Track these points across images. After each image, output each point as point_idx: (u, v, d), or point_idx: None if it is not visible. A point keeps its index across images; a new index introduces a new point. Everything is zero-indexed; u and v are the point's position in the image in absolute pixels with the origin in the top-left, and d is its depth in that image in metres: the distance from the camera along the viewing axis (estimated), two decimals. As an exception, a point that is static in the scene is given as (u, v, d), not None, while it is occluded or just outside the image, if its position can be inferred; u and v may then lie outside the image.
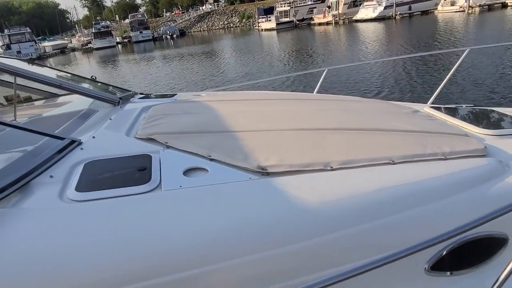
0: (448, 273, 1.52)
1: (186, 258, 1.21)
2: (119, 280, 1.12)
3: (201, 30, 68.68)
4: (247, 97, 2.86)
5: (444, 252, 1.49)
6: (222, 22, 68.02)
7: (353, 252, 1.37)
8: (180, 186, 1.44)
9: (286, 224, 1.35)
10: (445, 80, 3.35)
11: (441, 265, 1.50)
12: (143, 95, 2.85)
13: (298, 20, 44.28)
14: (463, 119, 2.41)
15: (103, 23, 61.94)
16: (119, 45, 56.59)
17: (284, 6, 45.73)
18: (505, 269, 1.33)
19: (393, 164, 1.65)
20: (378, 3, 36.73)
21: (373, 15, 36.18)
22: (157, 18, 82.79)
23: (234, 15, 67.96)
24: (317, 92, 3.48)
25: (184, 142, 1.77)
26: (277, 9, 46.22)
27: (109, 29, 59.22)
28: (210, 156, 1.64)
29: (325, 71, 3.59)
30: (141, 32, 58.25)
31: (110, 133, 1.93)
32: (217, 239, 1.26)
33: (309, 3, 45.94)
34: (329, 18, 40.70)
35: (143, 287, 1.13)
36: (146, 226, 1.24)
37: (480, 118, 2.53)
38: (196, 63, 22.68)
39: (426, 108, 2.74)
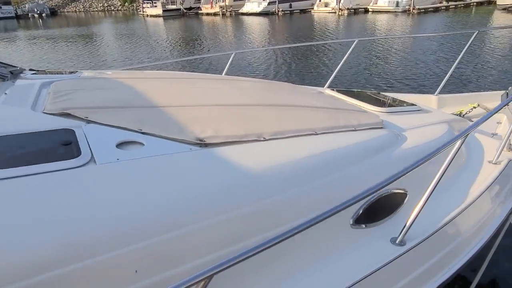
0: (366, 225, 1.74)
1: (134, 228, 1.18)
2: (56, 259, 1.05)
3: (77, 10, 62.02)
4: (161, 76, 2.84)
5: (364, 208, 1.71)
6: (101, 4, 62.52)
7: (289, 213, 1.46)
8: (118, 159, 1.40)
9: (229, 190, 1.39)
10: (339, 66, 3.87)
11: (361, 220, 1.71)
12: (34, 71, 2.70)
13: (185, 9, 43.55)
14: (359, 99, 2.85)
15: None
16: (-30, 21, 47.49)
17: (172, -8, 44.53)
18: (410, 216, 1.61)
19: (316, 134, 1.88)
20: (262, -1, 38.65)
21: (258, 9, 37.91)
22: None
23: (115, -3, 63.17)
24: (226, 74, 3.64)
25: (107, 116, 1.72)
26: (163, -6, 44.74)
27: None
28: (141, 130, 1.62)
29: (233, 55, 3.77)
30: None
31: (11, 109, 1.81)
32: (164, 209, 1.25)
33: (197, -8, 45.66)
34: (217, 9, 41.11)
35: (84, 265, 1.08)
36: (82, 200, 1.18)
37: (371, 99, 3.02)
38: (73, 48, 20.56)
39: (327, 90, 3.24)
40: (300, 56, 14.64)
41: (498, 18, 26.25)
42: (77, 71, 2.70)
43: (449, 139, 2.48)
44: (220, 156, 1.52)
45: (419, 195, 1.72)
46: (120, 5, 61.09)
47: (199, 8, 43.55)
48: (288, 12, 38.01)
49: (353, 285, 1.45)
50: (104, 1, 62.76)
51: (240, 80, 3.00)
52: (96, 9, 61.84)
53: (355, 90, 3.49)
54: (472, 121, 3.29)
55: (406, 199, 1.90)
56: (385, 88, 9.97)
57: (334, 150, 1.78)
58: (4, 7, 50.33)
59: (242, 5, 39.98)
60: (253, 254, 1.05)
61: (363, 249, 1.65)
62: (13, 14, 50.66)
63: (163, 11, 42.30)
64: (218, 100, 2.18)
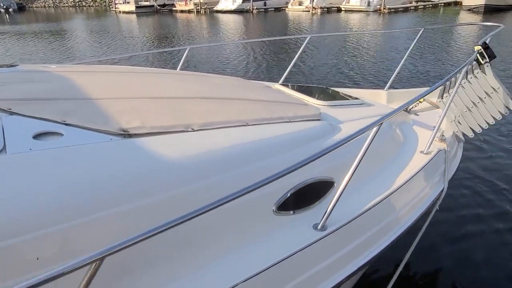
0: (292, 212, 1.83)
1: (45, 215, 1.20)
2: None
3: (46, 6, 59.96)
4: (102, 70, 2.86)
5: (288, 195, 1.78)
6: (72, 0, 60.80)
7: (208, 199, 1.47)
8: (30, 149, 1.40)
9: (144, 178, 1.41)
10: (292, 62, 3.99)
11: (285, 206, 1.78)
12: None
13: (159, 5, 42.90)
14: (305, 93, 2.97)
15: None
16: None
17: (144, -11, 43.75)
18: (329, 203, 1.70)
19: (247, 126, 1.95)
20: (237, -4, 38.56)
21: (232, 7, 37.83)
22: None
23: (86, -8, 61.42)
24: (180, 69, 3.69)
25: (32, 108, 1.72)
26: (136, -9, 43.87)
27: None
28: (65, 121, 1.63)
29: (187, 49, 3.82)
30: (-38, 2, 47.60)
31: None
32: (76, 195, 1.26)
33: (171, -12, 45.04)
34: (191, 6, 40.73)
35: None
36: None
37: (317, 93, 3.14)
38: (41, 44, 20.09)
39: (276, 85, 3.32)
40: (263, 51, 15.04)
41: (464, 18, 27.31)
42: (18, 65, 2.68)
43: (385, 131, 2.65)
44: (142, 146, 1.55)
45: (342, 184, 1.79)
46: (92, 1, 59.53)
47: (173, 5, 43.00)
48: (263, 10, 38.13)
49: (267, 268, 1.51)
50: (75, -3, 60.98)
51: (187, 75, 3.04)
52: (67, 5, 59.99)
53: (305, 85, 3.62)
54: (418, 115, 3.48)
55: (333, 187, 1.99)
56: (345, 83, 10.38)
57: (262, 140, 1.85)
58: (-34, 1, 48.16)
59: (217, 3, 39.77)
60: (151, 236, 1.06)
61: (284, 234, 1.72)
62: (-23, 9, 48.49)
63: (136, 7, 41.54)
64: (152, 93, 2.21)
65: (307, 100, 2.83)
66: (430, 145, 2.54)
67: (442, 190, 2.46)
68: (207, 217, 1.35)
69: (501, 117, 2.80)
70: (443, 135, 2.72)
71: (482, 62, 2.82)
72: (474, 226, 4.08)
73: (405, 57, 4.01)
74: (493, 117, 2.81)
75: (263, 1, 38.71)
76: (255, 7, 37.59)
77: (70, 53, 16.55)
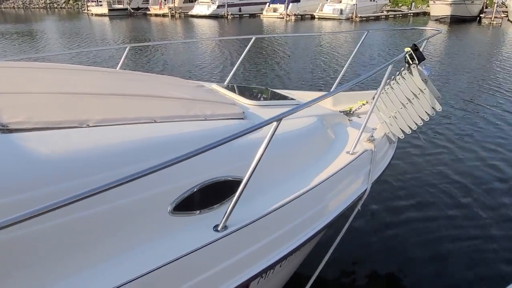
0: (193, 212, 1.74)
1: None
2: None
3: (15, 7, 58.16)
4: (13, 66, 2.70)
5: (187, 195, 1.68)
6: (43, 1, 59.13)
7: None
8: None
9: (21, 173, 1.35)
10: (237, 63, 3.99)
11: (185, 207, 1.71)
12: None
13: (133, 9, 42.38)
14: (239, 93, 2.95)
15: None
16: None
17: (118, -8, 43.10)
18: (230, 204, 1.65)
19: (155, 122, 1.87)
20: (212, 2, 38.55)
21: (207, 12, 37.81)
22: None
23: (58, -6, 59.99)
24: (120, 68, 3.60)
25: None
26: (109, -7, 43.18)
27: None
28: None
29: (127, 49, 3.74)
30: None
31: None
32: None
33: (145, -8, 44.59)
34: (166, 10, 40.41)
35: None
36: None
37: (253, 93, 3.14)
38: (9, 44, 19.56)
39: (214, 85, 3.25)
40: (213, 52, 15.44)
41: (431, 27, 28.30)
42: None
43: (310, 130, 2.65)
44: (21, 141, 1.47)
45: (256, 183, 1.77)
46: (64, 2, 58.16)
47: (147, 8, 42.55)
48: (238, 16, 38.29)
49: (158, 268, 1.47)
50: (46, -2, 59.44)
51: (109, 72, 2.92)
52: (37, 6, 58.35)
53: (244, 85, 3.59)
54: (360, 117, 3.52)
55: (241, 186, 1.90)
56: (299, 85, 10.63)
57: (167, 136, 1.78)
58: None
59: (192, 8, 39.69)
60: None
61: (180, 236, 1.65)
62: None
63: (109, 10, 40.84)
64: (52, 89, 2.11)
65: (239, 99, 2.80)
66: (355, 146, 2.56)
67: (365, 191, 2.47)
68: (92, 217, 1.30)
69: (428, 118, 2.86)
70: (372, 136, 2.76)
71: (411, 63, 2.89)
72: (399, 228, 4.18)
73: (349, 59, 4.06)
74: (421, 118, 2.87)
75: (238, 7, 38.91)
76: (229, 13, 37.72)
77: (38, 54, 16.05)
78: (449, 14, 30.70)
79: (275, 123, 1.72)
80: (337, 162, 2.45)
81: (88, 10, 43.81)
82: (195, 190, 1.73)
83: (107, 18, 38.22)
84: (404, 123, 2.90)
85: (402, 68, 2.97)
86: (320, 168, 2.36)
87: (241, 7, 39.07)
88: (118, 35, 25.88)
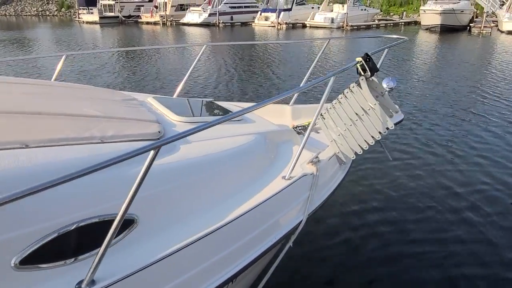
0: (57, 263, 1.39)
1: None
2: None
3: (7, 14, 57.81)
4: None
5: (42, 243, 1.35)
6: (35, 9, 58.81)
7: None
8: None
9: None
10: (187, 74, 3.70)
11: (42, 258, 1.37)
12: None
13: (124, 17, 42.15)
14: (174, 107, 2.59)
15: None
16: None
17: (109, 0, 42.93)
18: (99, 251, 1.32)
19: (25, 148, 1.52)
20: (203, 10, 38.47)
21: (199, 20, 37.68)
22: None
23: (51, 2, 59.71)
24: (56, 79, 3.32)
25: None
26: (100, 1, 42.98)
27: None
28: None
29: (63, 57, 3.45)
30: None
31: None
32: None
33: (137, 0, 44.41)
34: (157, 18, 40.27)
35: None
36: None
37: (191, 108, 2.81)
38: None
39: (150, 98, 2.87)
40: (162, 62, 14.84)
41: (421, 36, 28.32)
42: None
43: (246, 151, 2.29)
44: None
45: (155, 222, 1.45)
46: (56, 10, 57.93)
47: (139, 16, 42.40)
48: (229, 24, 38.21)
49: None
50: (38, 6, 59.15)
51: (16, 83, 2.57)
52: (29, 14, 58.02)
53: (188, 98, 3.24)
54: (318, 133, 3.18)
55: (135, 226, 1.55)
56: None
57: (33, 166, 1.42)
58: None
59: (183, 16, 39.57)
60: None
61: None
62: None
63: (100, 18, 40.59)
64: None
65: (168, 115, 2.47)
66: (292, 169, 2.21)
67: (299, 224, 2.12)
68: None
69: (380, 137, 2.54)
70: (317, 157, 2.43)
71: (363, 74, 2.59)
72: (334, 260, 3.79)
73: (310, 69, 3.74)
74: (372, 136, 2.54)
75: (230, 16, 38.84)
76: (221, 21, 37.62)
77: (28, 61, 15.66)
78: (439, 23, 30.80)
79: (152, 152, 1.37)
80: (268, 189, 2.10)
81: (79, 18, 43.54)
82: (53, 236, 1.36)
83: (98, 26, 37.97)
84: (355, 142, 2.57)
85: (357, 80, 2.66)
86: (247, 197, 2.01)
87: (233, 15, 39.01)
88: (109, 43, 25.70)
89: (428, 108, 9.33)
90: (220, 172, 2.02)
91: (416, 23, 37.43)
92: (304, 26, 36.27)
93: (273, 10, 36.43)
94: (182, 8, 41.39)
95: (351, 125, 2.57)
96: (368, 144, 2.53)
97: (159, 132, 2.02)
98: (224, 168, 2.06)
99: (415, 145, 6.77)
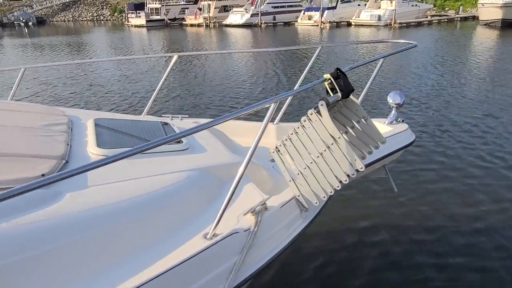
0: None
1: None
2: None
3: (66, 20, 61.77)
4: None
5: None
6: (91, 14, 62.29)
7: None
8: None
9: None
10: (157, 89, 3.28)
11: None
12: None
13: (170, 19, 43.21)
14: (104, 134, 2.19)
15: None
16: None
17: (155, 3, 44.17)
18: None
19: None
20: (246, 11, 38.28)
21: (241, 21, 37.54)
22: (13, 1, 71.43)
23: (105, 7, 62.92)
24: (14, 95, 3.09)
25: None
26: (148, 5, 44.41)
27: None
28: None
29: (22, 70, 3.17)
30: (-16, 16, 49.40)
31: None
32: None
33: (182, 3, 45.32)
34: (200, 20, 40.78)
35: None
36: None
37: (128, 134, 2.34)
38: (56, 55, 20.32)
39: (89, 121, 2.43)
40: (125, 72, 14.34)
41: (480, 33, 25.86)
42: None
43: (172, 195, 1.77)
44: None
45: None
46: (110, 15, 60.87)
47: (183, 19, 43.22)
48: (271, 24, 37.65)
49: None
50: (93, 11, 62.55)
51: None
52: (85, 19, 61.54)
53: (142, 120, 2.70)
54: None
55: None
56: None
57: None
58: (-11, 15, 49.94)
59: (226, 17, 39.67)
60: None
61: None
62: (-2, 22, 50.24)
63: (147, 21, 41.92)
64: None
65: (90, 145, 2.03)
66: (216, 225, 1.60)
67: None
68: None
69: (347, 180, 1.86)
70: (263, 204, 1.78)
71: (331, 94, 1.94)
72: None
73: (301, 78, 3.08)
74: (338, 179, 1.87)
75: (273, 16, 38.28)
76: (263, 21, 37.17)
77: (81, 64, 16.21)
78: (500, 18, 27.97)
79: None
80: (178, 254, 1.53)
81: (128, 22, 45.29)
82: None
83: (144, 29, 39.19)
84: (317, 184, 1.93)
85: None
86: (145, 264, 1.47)
87: (276, 15, 38.41)
88: (153, 45, 26.37)
89: (492, 113, 8.11)
90: (115, 229, 1.53)
91: (474, 18, 34.43)
92: (349, 24, 34.78)
93: (317, 9, 35.32)
94: (225, 9, 41.58)
95: (311, 163, 1.94)
96: (333, 188, 1.88)
97: (42, 175, 1.59)
98: (124, 223, 1.56)
99: (473, 168, 5.68)
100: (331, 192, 1.89)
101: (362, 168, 1.80)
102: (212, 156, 2.22)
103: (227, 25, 38.45)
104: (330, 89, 1.94)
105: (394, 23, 31.95)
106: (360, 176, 2.72)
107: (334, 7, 35.74)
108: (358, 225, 4.15)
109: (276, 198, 1.96)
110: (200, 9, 42.28)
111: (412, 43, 2.75)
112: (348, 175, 1.83)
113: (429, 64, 14.15)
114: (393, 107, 2.82)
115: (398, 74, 12.48)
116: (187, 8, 44.08)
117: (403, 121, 2.89)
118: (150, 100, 3.27)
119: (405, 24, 32.30)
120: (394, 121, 2.87)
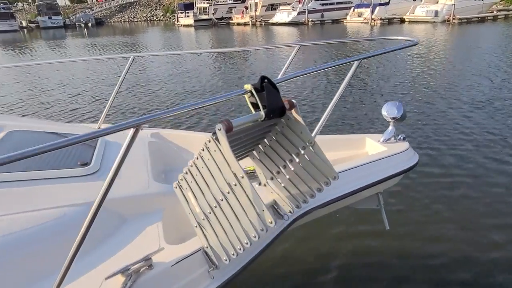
0: None
1: None
2: None
3: (122, 21, 64.94)
4: None
5: None
6: (145, 14, 64.94)
7: None
8: None
9: None
10: (112, 97, 2.82)
11: None
12: None
13: (217, 19, 43.59)
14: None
15: (2, 4, 55.25)
16: (25, 30, 51.15)
17: (204, 3, 44.77)
18: None
19: None
20: (293, 9, 37.46)
21: (287, 19, 36.79)
22: (76, 4, 76.60)
23: (158, 8, 65.25)
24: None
25: None
26: (196, 5, 45.15)
27: (11, 10, 53.07)
28: None
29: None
30: (50, 18, 53.10)
31: None
32: None
33: (229, 2, 45.52)
34: (247, 19, 40.64)
35: None
36: None
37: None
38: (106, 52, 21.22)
39: (16, 131, 2.12)
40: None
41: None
42: None
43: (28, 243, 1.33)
44: None
45: None
46: (162, 15, 62.95)
47: (230, 18, 43.36)
48: (318, 22, 36.45)
49: None
50: (147, 12, 65.06)
51: None
52: (140, 19, 64.20)
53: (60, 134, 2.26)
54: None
55: None
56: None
57: None
58: (54, 17, 53.69)
59: (273, 15, 39.13)
60: None
61: None
62: (62, 24, 53.83)
63: (195, 21, 42.65)
64: None
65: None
66: None
67: None
68: None
69: (257, 237, 1.28)
70: (147, 260, 1.33)
71: (253, 111, 1.38)
72: None
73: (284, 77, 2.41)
74: (246, 233, 1.30)
75: (321, 13, 37.08)
76: (310, 19, 36.10)
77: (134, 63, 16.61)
78: None
79: None
80: None
81: (177, 22, 46.39)
82: None
83: (193, 29, 39.84)
84: (225, 235, 1.38)
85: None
86: None
87: (324, 13, 37.18)
88: (201, 44, 26.64)
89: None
90: None
91: (549, 12, 30.82)
92: (402, 21, 32.69)
93: (368, 5, 33.60)
94: (272, 7, 41.06)
95: (215, 207, 1.38)
96: (241, 245, 1.33)
97: None
98: None
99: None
100: (240, 249, 1.32)
101: (273, 224, 1.23)
102: (124, 184, 1.72)
103: (273, 24, 37.89)
104: (252, 104, 1.37)
105: (453, 18, 29.43)
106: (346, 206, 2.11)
107: (387, 3, 33.77)
108: (327, 267, 3.30)
109: (178, 249, 1.44)
110: (247, 7, 42.13)
111: (412, 40, 2.14)
112: (256, 231, 1.25)
113: (494, 64, 12.48)
114: (389, 121, 2.35)
115: (458, 77, 11.09)
116: (235, 7, 44.17)
117: (404, 138, 2.39)
118: (106, 107, 2.79)
119: (465, 20, 29.64)
120: (392, 139, 2.36)
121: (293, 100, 1.40)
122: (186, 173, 1.43)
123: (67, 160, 1.84)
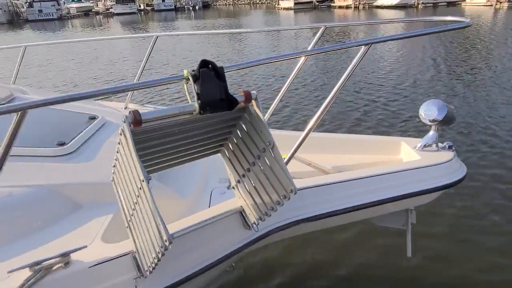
0: None
1: None
2: None
3: (226, 4, 67.36)
4: None
5: None
6: (248, -3, 66.39)
7: None
8: None
9: None
10: (137, 75, 2.70)
11: None
12: None
13: (318, 1, 42.25)
14: None
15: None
16: (142, 12, 56.47)
17: (306, -15, 43.73)
18: None
19: None
20: (401, -10, 34.40)
21: (394, 2, 33.85)
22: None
23: (261, -10, 66.03)
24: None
25: None
26: (298, -13, 44.36)
27: (132, -6, 58.92)
28: None
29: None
30: (163, 1, 57.59)
31: None
32: None
33: (332, -16, 43.70)
34: (349, 1, 38.54)
35: None
36: None
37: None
38: (215, 38, 22.00)
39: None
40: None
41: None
42: None
43: None
44: None
45: None
46: (265, -3, 63.56)
47: (332, 0, 41.64)
48: (431, 4, 32.80)
49: None
50: (251, -6, 66.28)
51: None
52: (243, 2, 65.82)
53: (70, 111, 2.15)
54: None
55: None
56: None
57: None
58: (167, 0, 58.02)
59: (378, -3, 36.47)
60: None
61: None
62: (173, 7, 57.99)
63: (295, 4, 41.99)
64: None
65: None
66: None
67: None
68: None
69: (164, 248, 1.08)
70: (66, 255, 1.20)
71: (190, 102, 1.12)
72: None
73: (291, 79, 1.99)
74: (157, 244, 1.09)
75: (435, -6, 33.38)
76: (421, 1, 32.69)
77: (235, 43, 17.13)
78: None
79: None
80: None
81: (278, 5, 46.27)
82: None
83: (292, 12, 39.34)
84: (145, 242, 1.19)
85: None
86: None
87: (439, -6, 33.37)
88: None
89: None
90: None
91: None
92: (538, 3, 27.61)
93: (495, -15, 29.07)
94: (378, -12, 38.23)
95: (134, 210, 1.21)
96: (156, 255, 1.12)
97: None
98: None
99: None
100: (155, 258, 1.11)
101: (167, 241, 1.01)
102: (92, 170, 1.63)
103: (377, 7, 35.30)
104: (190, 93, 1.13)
105: None
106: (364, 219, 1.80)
107: (520, -18, 28.78)
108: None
109: (107, 249, 1.29)
110: (350, -11, 39.96)
111: (464, 21, 1.67)
112: (158, 251, 1.06)
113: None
114: (429, 125, 1.93)
115: None
116: (338, -12, 42.22)
117: (450, 147, 1.94)
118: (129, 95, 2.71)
119: None
120: (434, 145, 1.93)
121: (252, 91, 1.06)
122: (114, 166, 1.21)
123: (46, 139, 1.77)
